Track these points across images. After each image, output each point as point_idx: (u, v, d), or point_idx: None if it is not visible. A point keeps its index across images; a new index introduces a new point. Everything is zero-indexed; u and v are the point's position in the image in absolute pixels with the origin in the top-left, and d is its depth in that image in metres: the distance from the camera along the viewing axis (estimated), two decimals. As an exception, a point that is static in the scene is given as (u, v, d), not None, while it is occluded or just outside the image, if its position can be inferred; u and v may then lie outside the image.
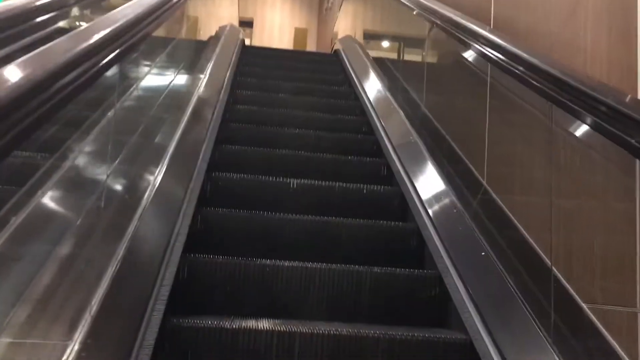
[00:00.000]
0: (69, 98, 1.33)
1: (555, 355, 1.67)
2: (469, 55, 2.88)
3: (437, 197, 2.85)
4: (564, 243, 1.99)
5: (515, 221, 2.28)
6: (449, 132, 3.17)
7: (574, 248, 1.99)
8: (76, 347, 1.42)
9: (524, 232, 2.20)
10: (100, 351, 1.50)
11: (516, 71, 2.23)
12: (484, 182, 2.61)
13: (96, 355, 1.45)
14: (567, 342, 1.70)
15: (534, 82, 2.08)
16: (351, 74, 5.42)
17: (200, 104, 3.70)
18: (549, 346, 1.72)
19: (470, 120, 3.02)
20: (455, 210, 2.67)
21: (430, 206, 2.79)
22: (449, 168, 2.98)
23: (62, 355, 1.38)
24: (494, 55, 2.44)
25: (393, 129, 3.81)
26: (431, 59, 3.87)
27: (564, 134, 2.04)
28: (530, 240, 2.14)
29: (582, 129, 1.87)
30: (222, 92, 4.24)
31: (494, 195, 2.52)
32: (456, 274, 2.27)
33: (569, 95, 1.86)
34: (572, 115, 1.86)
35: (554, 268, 1.90)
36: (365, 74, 5.10)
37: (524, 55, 2.20)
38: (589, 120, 1.78)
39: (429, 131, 3.43)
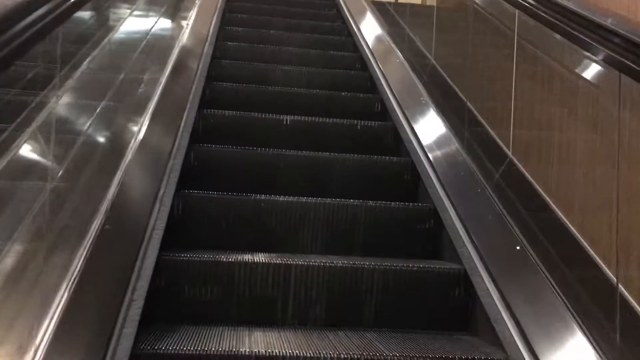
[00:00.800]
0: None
1: (548, 282, 1.69)
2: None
3: (432, 133, 2.84)
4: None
5: (511, 155, 2.25)
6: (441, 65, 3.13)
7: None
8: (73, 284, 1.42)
9: (521, 166, 2.18)
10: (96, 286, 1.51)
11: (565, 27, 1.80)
12: (480, 118, 2.58)
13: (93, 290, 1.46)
14: (559, 268, 1.72)
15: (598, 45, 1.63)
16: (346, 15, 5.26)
17: (190, 43, 3.62)
18: (542, 274, 1.74)
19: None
20: (452, 145, 2.65)
21: (426, 141, 2.78)
22: (445, 105, 2.95)
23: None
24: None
25: (385, 60, 3.76)
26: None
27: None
28: (527, 174, 2.12)
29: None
30: (211, 28, 4.15)
31: (489, 129, 2.50)
32: (451, 206, 2.28)
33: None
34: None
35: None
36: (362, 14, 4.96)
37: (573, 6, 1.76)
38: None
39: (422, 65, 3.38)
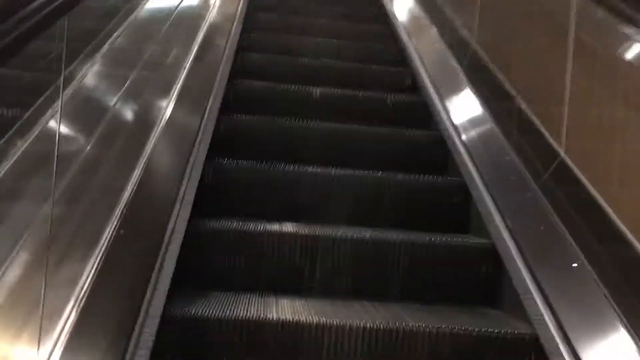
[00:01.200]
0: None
1: (579, 252, 1.67)
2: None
3: (463, 106, 2.80)
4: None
5: (543, 130, 2.20)
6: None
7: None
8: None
9: (552, 140, 2.14)
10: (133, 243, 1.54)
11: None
12: (512, 92, 2.53)
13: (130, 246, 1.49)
14: (592, 245, 1.70)
15: None
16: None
17: (219, 16, 3.61)
18: (574, 248, 1.72)
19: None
20: (484, 121, 2.61)
21: (454, 113, 2.74)
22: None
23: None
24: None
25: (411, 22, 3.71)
26: None
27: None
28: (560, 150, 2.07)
29: None
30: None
31: (524, 106, 2.45)
32: (480, 180, 2.26)
33: None
34: None
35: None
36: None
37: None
38: None
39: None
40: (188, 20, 3.13)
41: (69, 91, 1.63)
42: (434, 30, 3.69)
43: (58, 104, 1.38)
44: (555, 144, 2.07)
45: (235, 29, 3.59)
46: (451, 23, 3.46)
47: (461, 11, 3.39)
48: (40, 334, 1.09)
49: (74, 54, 1.63)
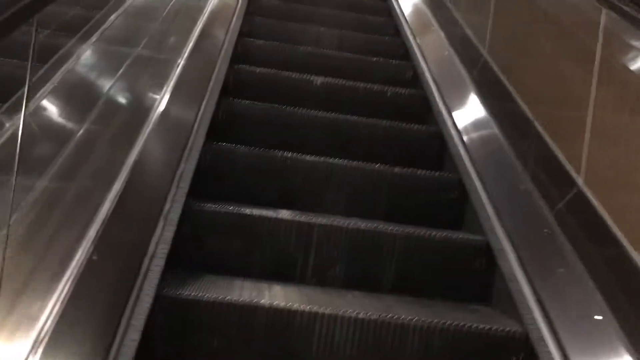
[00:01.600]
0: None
1: (574, 256, 1.68)
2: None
3: (462, 102, 2.80)
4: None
5: (545, 136, 2.18)
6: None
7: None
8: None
9: (548, 138, 2.14)
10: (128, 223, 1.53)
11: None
12: (511, 89, 2.53)
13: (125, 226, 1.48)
14: (586, 247, 1.71)
15: None
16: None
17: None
18: (566, 245, 1.73)
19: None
20: (483, 119, 2.61)
21: (454, 110, 2.75)
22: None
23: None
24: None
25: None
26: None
27: None
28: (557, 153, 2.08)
29: None
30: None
31: (520, 102, 2.45)
32: (477, 177, 2.27)
33: None
34: None
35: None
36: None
37: None
38: None
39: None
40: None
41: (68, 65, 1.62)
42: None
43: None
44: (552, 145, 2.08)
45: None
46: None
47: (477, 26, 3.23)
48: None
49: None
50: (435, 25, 3.70)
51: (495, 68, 2.73)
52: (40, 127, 1.38)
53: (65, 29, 1.95)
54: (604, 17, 1.84)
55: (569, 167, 1.93)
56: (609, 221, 1.62)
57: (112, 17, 2.09)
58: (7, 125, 1.21)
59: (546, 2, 2.47)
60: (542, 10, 2.50)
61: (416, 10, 4.07)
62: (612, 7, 1.75)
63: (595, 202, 1.71)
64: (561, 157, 1.99)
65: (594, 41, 1.85)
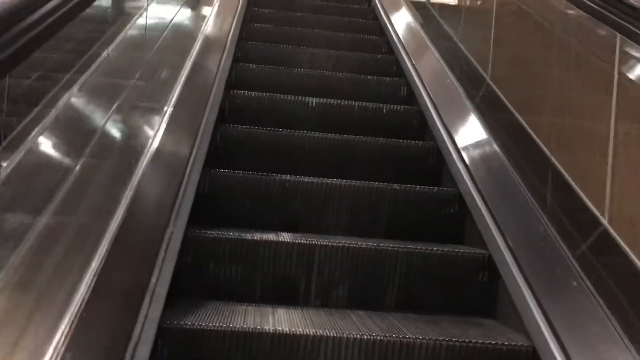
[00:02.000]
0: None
1: (576, 269, 1.67)
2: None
3: (459, 117, 2.81)
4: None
5: (543, 145, 2.16)
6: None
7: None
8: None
9: (546, 149, 2.14)
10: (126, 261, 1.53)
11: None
12: (503, 97, 2.52)
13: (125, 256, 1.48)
14: (588, 256, 1.70)
15: None
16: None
17: (218, 18, 3.61)
18: (569, 260, 1.72)
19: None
20: (479, 130, 2.62)
21: (451, 125, 2.75)
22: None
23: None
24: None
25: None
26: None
27: None
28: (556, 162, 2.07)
29: None
30: (238, 9, 4.13)
31: (518, 115, 2.45)
32: (476, 190, 2.26)
33: None
34: None
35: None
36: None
37: None
38: None
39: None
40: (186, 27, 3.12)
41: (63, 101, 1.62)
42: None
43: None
44: (546, 150, 2.07)
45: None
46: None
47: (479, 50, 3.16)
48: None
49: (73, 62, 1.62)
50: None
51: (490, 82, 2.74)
52: (33, 165, 1.38)
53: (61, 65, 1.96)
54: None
55: (567, 177, 1.93)
56: (608, 221, 1.61)
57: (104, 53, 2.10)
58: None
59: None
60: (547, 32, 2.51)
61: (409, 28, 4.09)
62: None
63: (594, 208, 1.71)
64: (562, 169, 1.99)
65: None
